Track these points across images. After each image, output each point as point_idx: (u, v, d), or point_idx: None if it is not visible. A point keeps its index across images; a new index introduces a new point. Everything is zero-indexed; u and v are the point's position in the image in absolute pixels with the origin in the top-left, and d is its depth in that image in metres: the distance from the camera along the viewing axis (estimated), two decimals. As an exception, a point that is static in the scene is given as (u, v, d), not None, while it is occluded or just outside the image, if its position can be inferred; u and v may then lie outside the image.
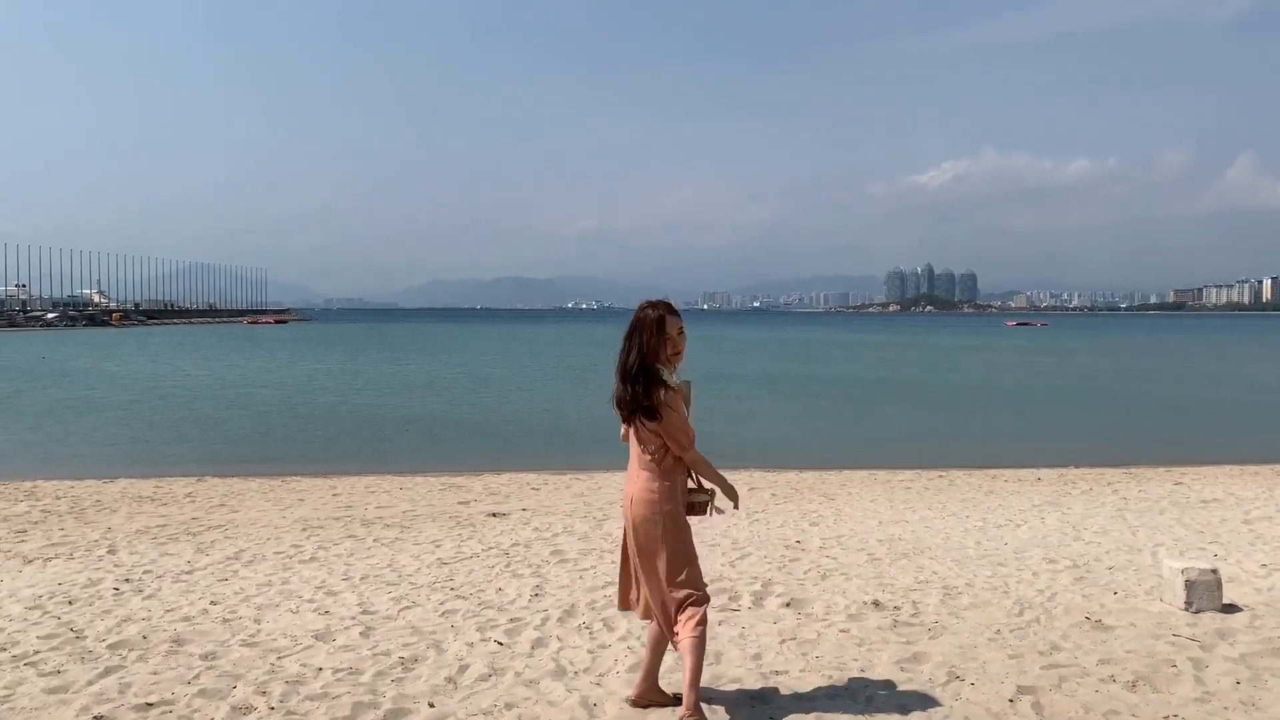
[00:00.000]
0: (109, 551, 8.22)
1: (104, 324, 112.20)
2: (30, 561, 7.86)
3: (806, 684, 4.64)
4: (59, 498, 11.54)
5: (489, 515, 10.27)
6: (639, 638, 5.36)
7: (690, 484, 4.25)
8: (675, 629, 4.05)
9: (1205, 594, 5.81)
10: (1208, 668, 4.82)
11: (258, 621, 5.82)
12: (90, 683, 4.70)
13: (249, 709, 4.35)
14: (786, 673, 4.80)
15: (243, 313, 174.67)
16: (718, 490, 4.23)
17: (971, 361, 49.83)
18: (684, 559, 4.10)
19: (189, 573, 7.31)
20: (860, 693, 4.52)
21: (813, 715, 4.25)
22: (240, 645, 5.30)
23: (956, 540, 8.43)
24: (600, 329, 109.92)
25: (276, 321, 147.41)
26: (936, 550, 7.93)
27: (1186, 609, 5.79)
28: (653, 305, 4.09)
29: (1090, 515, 9.85)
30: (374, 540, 8.73)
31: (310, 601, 6.34)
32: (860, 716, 4.23)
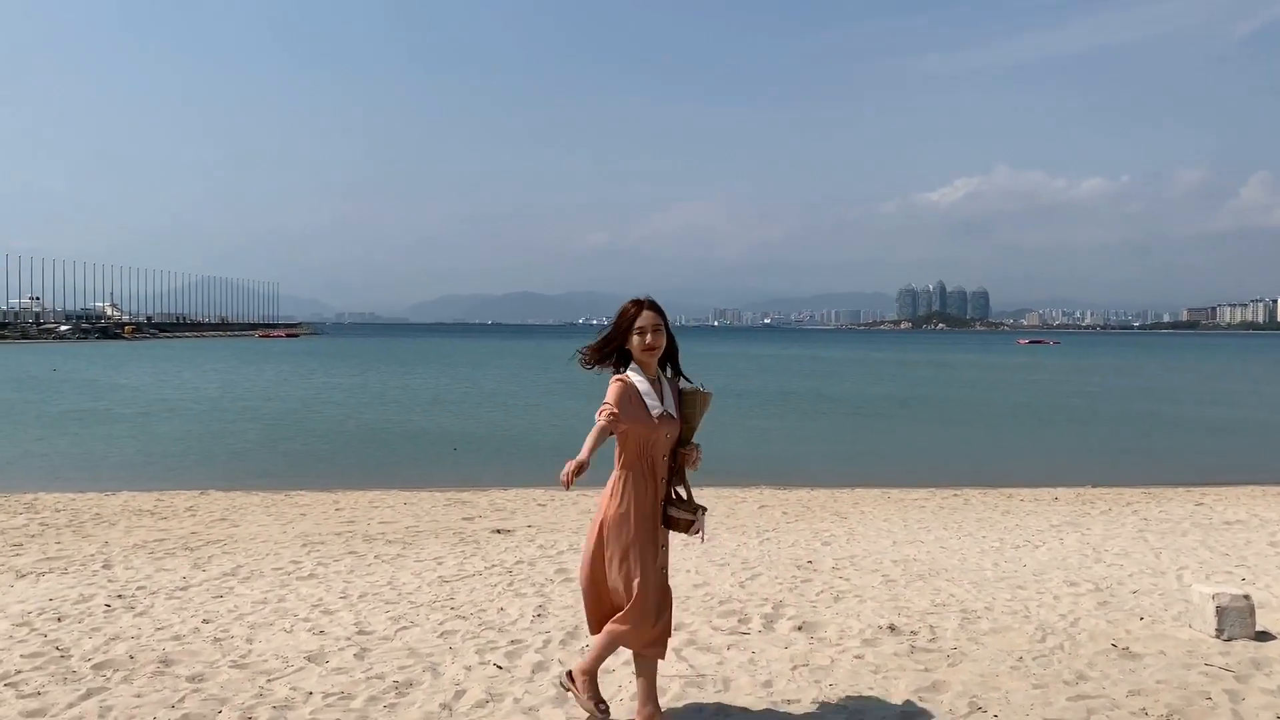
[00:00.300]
0: (104, 566, 8.03)
1: (116, 337, 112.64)
2: (23, 576, 7.67)
3: (821, 714, 4.40)
4: (58, 510, 11.38)
5: (493, 532, 10.06)
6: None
7: (679, 493, 4.12)
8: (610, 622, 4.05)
9: (1238, 621, 5.55)
10: (1244, 700, 4.57)
11: (250, 641, 5.61)
12: (70, 705, 4.50)
13: (233, 736, 4.14)
14: (798, 701, 4.57)
15: (254, 326, 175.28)
16: (704, 512, 4.14)
17: (984, 379, 49.46)
18: (620, 560, 4.05)
19: (184, 589, 7.11)
20: (877, 724, 4.29)
21: (827, 748, 4.03)
22: (230, 666, 5.09)
23: (973, 561, 8.17)
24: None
25: (288, 335, 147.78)
26: (953, 572, 7.68)
27: (1218, 636, 5.53)
28: (634, 301, 4.11)
29: (1110, 536, 9.58)
30: (375, 557, 8.52)
31: (305, 620, 6.13)
32: (877, 750, 4.00)
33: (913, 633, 5.77)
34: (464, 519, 11.02)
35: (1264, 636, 5.57)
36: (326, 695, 4.63)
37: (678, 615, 6.19)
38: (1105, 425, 26.68)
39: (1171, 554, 8.55)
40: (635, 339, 4.03)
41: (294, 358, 69.73)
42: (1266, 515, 11.08)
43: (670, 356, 4.20)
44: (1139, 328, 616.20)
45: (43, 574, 7.74)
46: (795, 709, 4.48)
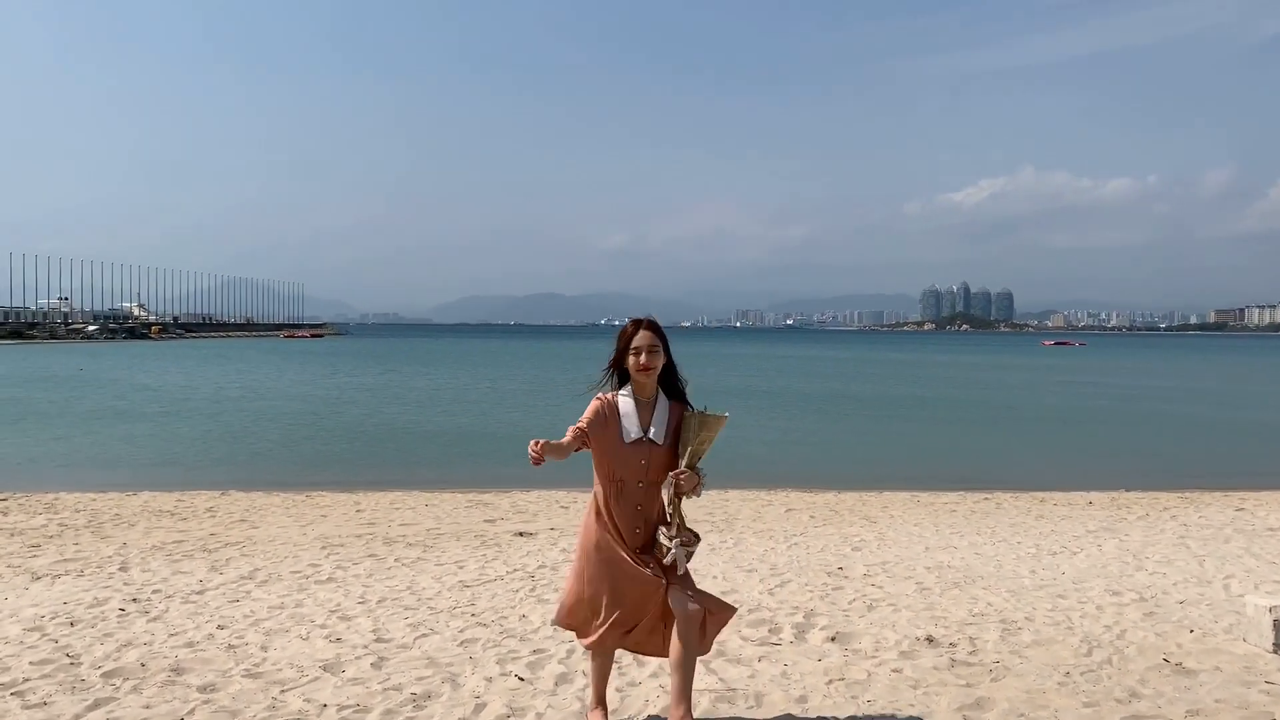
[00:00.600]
0: (120, 569, 7.90)
1: (143, 337, 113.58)
2: (39, 578, 7.55)
3: (858, 732, 4.18)
4: (78, 511, 11.29)
5: (516, 534, 9.88)
6: (670, 674, 4.92)
7: (669, 511, 3.97)
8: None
9: (1296, 635, 5.27)
10: (1310, 721, 4.30)
11: (264, 649, 5.44)
12: (77, 716, 4.33)
13: (244, 751, 3.96)
14: (835, 719, 4.34)
15: (279, 326, 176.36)
16: (680, 543, 3.95)
17: (1010, 381, 48.89)
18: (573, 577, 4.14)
19: (200, 593, 6.96)
20: (919, 744, 4.06)
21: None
22: (242, 676, 4.92)
23: (1010, 568, 7.91)
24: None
25: (312, 335, 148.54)
26: (989, 579, 7.42)
27: (1275, 651, 5.25)
28: (634, 321, 4.06)
29: (1150, 543, 9.28)
30: (395, 560, 8.35)
31: (322, 627, 5.95)
32: (921, 773, 3.77)
33: (952, 645, 5.52)
34: (485, 521, 10.84)
35: (1324, 652, 5.29)
36: (341, 708, 4.44)
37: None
38: (1134, 428, 26.22)
39: (1216, 562, 8.25)
40: (631, 358, 3.99)
41: (317, 357, 69.98)
42: (1311, 521, 10.73)
43: (665, 378, 4.08)
44: (1165, 329, 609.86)
45: (59, 576, 7.62)
46: (832, 727, 4.25)
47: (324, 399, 32.23)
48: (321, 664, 5.13)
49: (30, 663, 5.13)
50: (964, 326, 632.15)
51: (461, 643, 5.58)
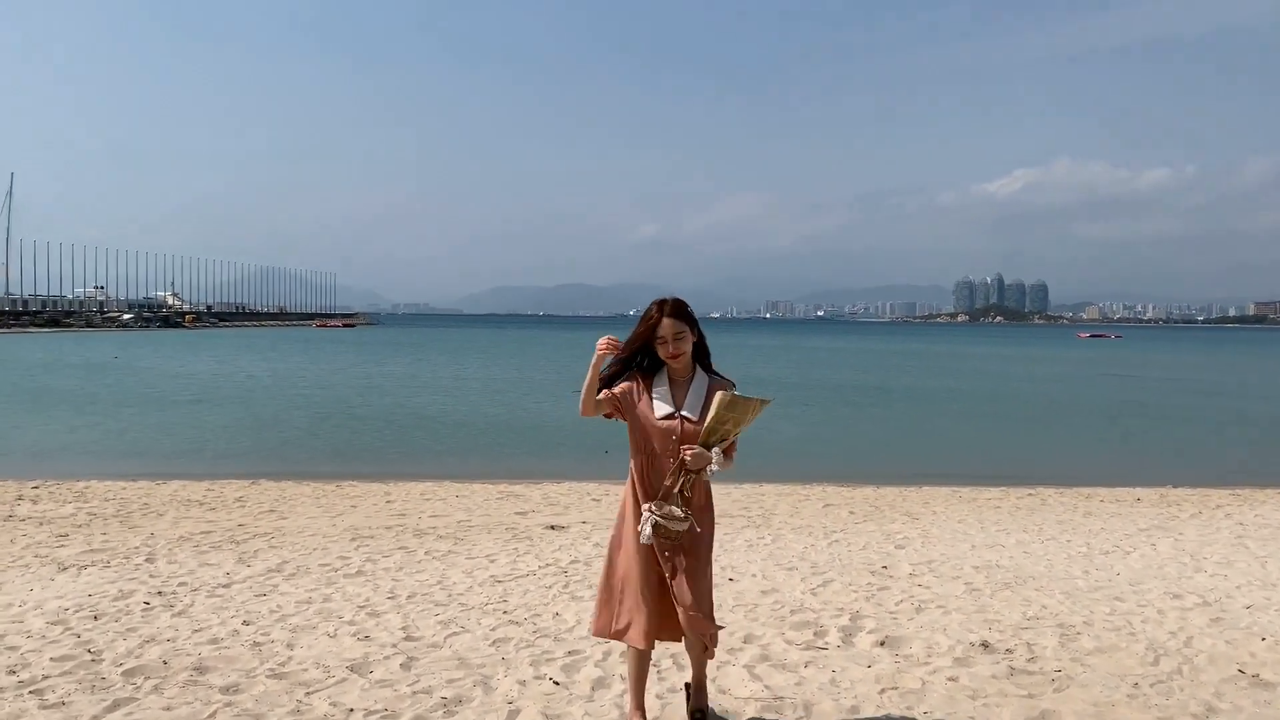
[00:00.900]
0: (147, 560, 7.76)
1: (177, 325, 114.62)
2: (65, 569, 7.43)
3: (916, 747, 3.92)
4: (108, 500, 11.21)
5: (547, 528, 9.67)
6: (713, 679, 4.68)
7: (667, 482, 3.82)
8: None
9: (1381, 646, 4.94)
10: (1406, 742, 3.99)
11: (290, 647, 5.25)
12: (95, 718, 4.16)
13: (266, 758, 3.76)
14: (891, 731, 4.09)
15: (311, 316, 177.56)
16: (653, 522, 3.79)
17: (1047, 374, 48.10)
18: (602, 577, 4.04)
19: (226, 586, 6.80)
20: (982, 761, 3.79)
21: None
22: (267, 676, 4.73)
23: (1061, 569, 7.59)
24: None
25: (345, 325, 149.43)
26: (1041, 580, 7.11)
27: (1358, 663, 4.93)
28: (657, 303, 3.92)
29: (1207, 543, 8.92)
30: (425, 553, 8.17)
31: (351, 624, 5.76)
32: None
33: (1008, 651, 5.24)
34: (517, 513, 10.64)
35: None
36: (369, 713, 4.23)
37: (745, 624, 5.74)
38: (1176, 422, 25.61)
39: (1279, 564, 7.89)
40: (659, 348, 3.89)
41: (349, 346, 70.26)
42: (1374, 521, 10.30)
43: (700, 357, 3.95)
44: (1203, 322, 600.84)
45: (85, 567, 7.49)
46: (887, 741, 3.99)
47: (355, 387, 32.23)
48: (349, 664, 4.93)
49: (51, 659, 4.98)
50: (998, 318, 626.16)
51: (493, 642, 5.37)
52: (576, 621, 5.81)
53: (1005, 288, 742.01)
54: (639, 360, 3.94)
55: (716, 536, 4.08)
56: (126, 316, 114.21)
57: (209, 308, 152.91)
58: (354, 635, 5.50)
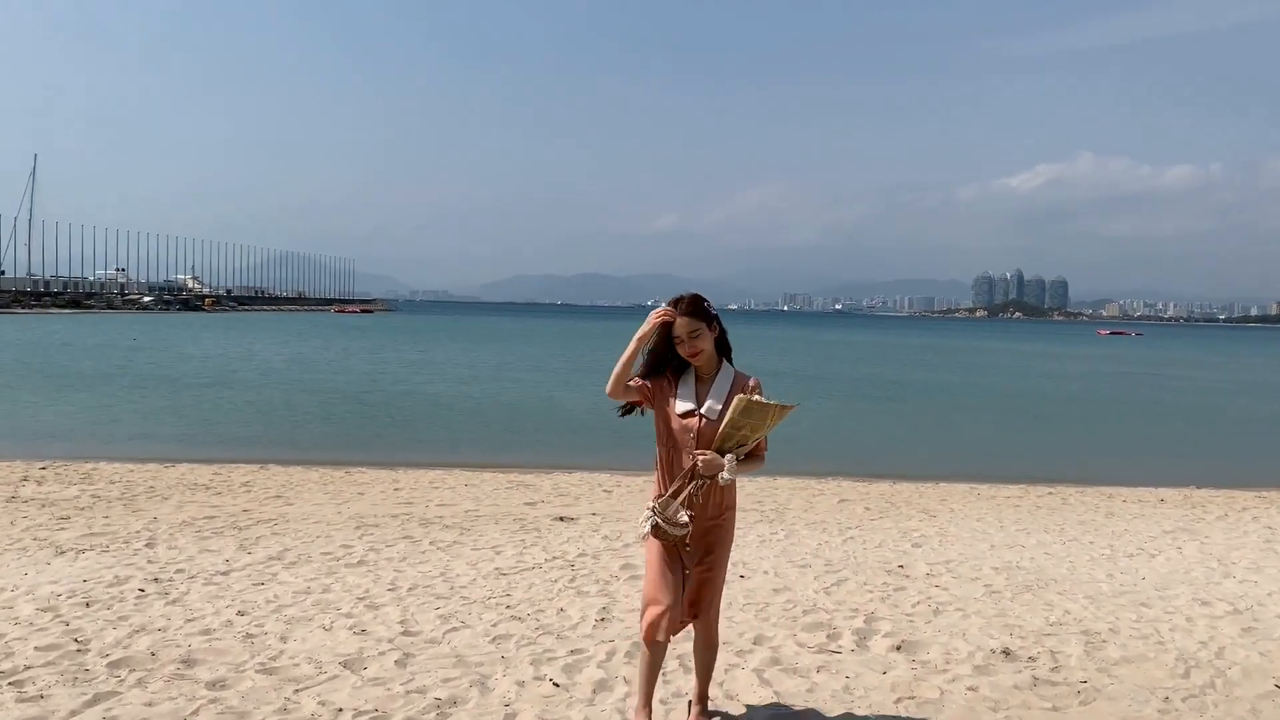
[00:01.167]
0: (147, 545, 7.61)
1: (197, 308, 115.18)
2: (62, 553, 7.29)
3: (934, 763, 3.70)
4: (114, 482, 11.08)
5: (556, 519, 9.48)
6: (720, 684, 4.48)
7: (675, 484, 3.69)
8: None
9: None
10: None
11: (283, 639, 5.07)
12: (73, 713, 3.99)
13: (248, 760, 3.58)
14: (907, 744, 3.87)
15: (330, 301, 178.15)
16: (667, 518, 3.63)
17: (1066, 371, 47.59)
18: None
19: (224, 573, 6.63)
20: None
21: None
22: (256, 670, 4.55)
23: (1084, 571, 7.34)
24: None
25: (362, 311, 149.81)
26: (1064, 583, 6.87)
27: (1402, 680, 4.68)
28: (673, 302, 3.80)
29: (1235, 547, 8.64)
30: (430, 543, 7.98)
31: (348, 616, 5.58)
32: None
33: (1031, 659, 5.01)
34: (526, 504, 10.45)
35: None
36: (358, 714, 4.05)
37: (755, 624, 5.54)
38: (1199, 422, 25.20)
39: (1311, 570, 7.61)
40: (677, 348, 3.78)
41: (365, 332, 70.33)
42: None
43: (723, 351, 3.83)
44: (1224, 320, 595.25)
45: (83, 551, 7.35)
46: (903, 755, 3.78)
47: (368, 373, 32.14)
48: (342, 660, 4.75)
49: (36, 648, 4.82)
50: (1017, 314, 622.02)
51: (494, 639, 5.18)
52: (581, 618, 5.61)
53: (1025, 283, 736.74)
54: (670, 358, 3.80)
55: None
56: (147, 299, 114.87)
57: (228, 291, 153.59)
58: (350, 629, 5.32)
